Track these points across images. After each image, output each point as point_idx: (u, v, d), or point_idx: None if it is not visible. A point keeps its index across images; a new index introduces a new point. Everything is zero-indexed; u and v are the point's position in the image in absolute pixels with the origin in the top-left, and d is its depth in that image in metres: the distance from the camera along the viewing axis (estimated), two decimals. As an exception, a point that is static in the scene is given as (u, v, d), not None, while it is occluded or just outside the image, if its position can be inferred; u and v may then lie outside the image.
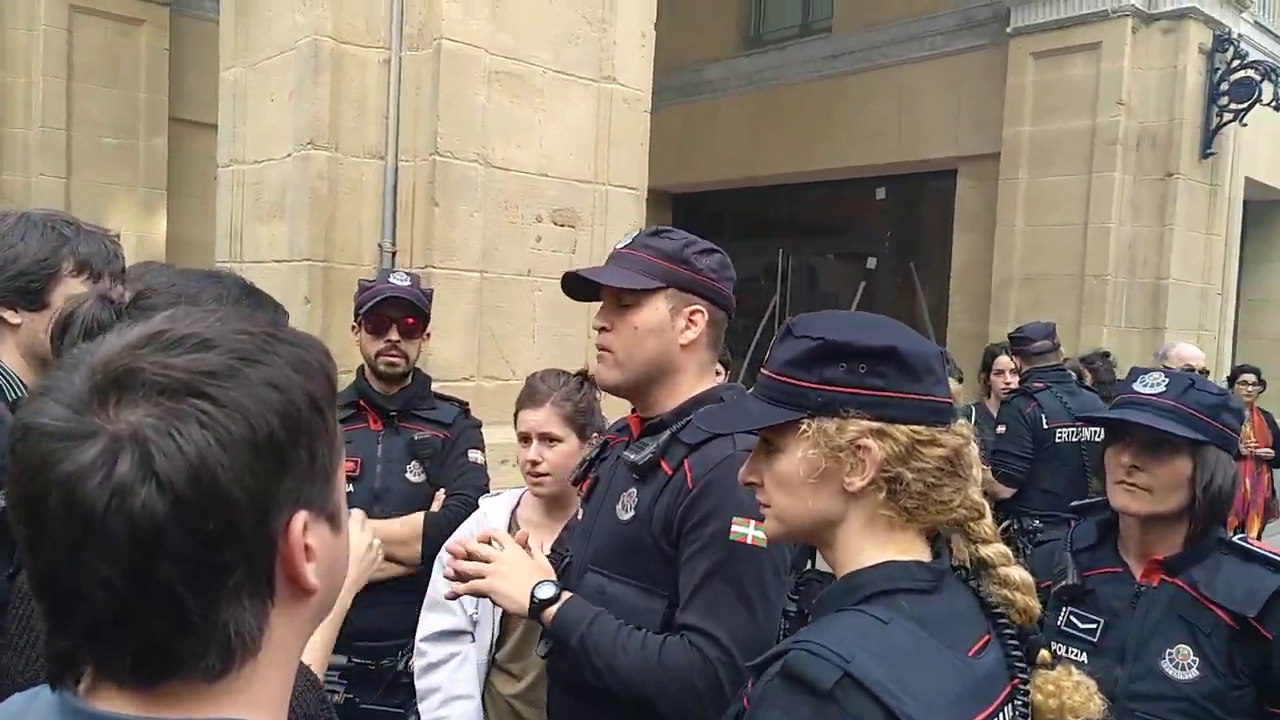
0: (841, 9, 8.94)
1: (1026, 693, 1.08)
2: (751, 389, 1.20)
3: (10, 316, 1.68)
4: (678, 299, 1.65)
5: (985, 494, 1.16)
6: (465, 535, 1.94)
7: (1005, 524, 4.54)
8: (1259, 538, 5.88)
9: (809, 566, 3.88)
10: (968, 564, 1.13)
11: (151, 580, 0.60)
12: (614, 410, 2.25)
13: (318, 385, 0.69)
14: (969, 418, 5.40)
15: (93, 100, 7.40)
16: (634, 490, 1.62)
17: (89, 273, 1.71)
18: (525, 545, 1.73)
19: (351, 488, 2.56)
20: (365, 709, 2.42)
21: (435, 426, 2.72)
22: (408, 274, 2.89)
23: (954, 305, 8.03)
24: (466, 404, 2.87)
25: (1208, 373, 4.65)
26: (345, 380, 2.83)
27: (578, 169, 3.80)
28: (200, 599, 0.61)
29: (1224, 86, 6.91)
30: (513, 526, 2.23)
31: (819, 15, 9.35)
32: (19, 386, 1.64)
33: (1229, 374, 6.79)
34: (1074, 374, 4.94)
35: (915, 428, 1.07)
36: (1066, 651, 1.88)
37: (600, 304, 1.71)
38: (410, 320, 2.68)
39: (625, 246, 1.70)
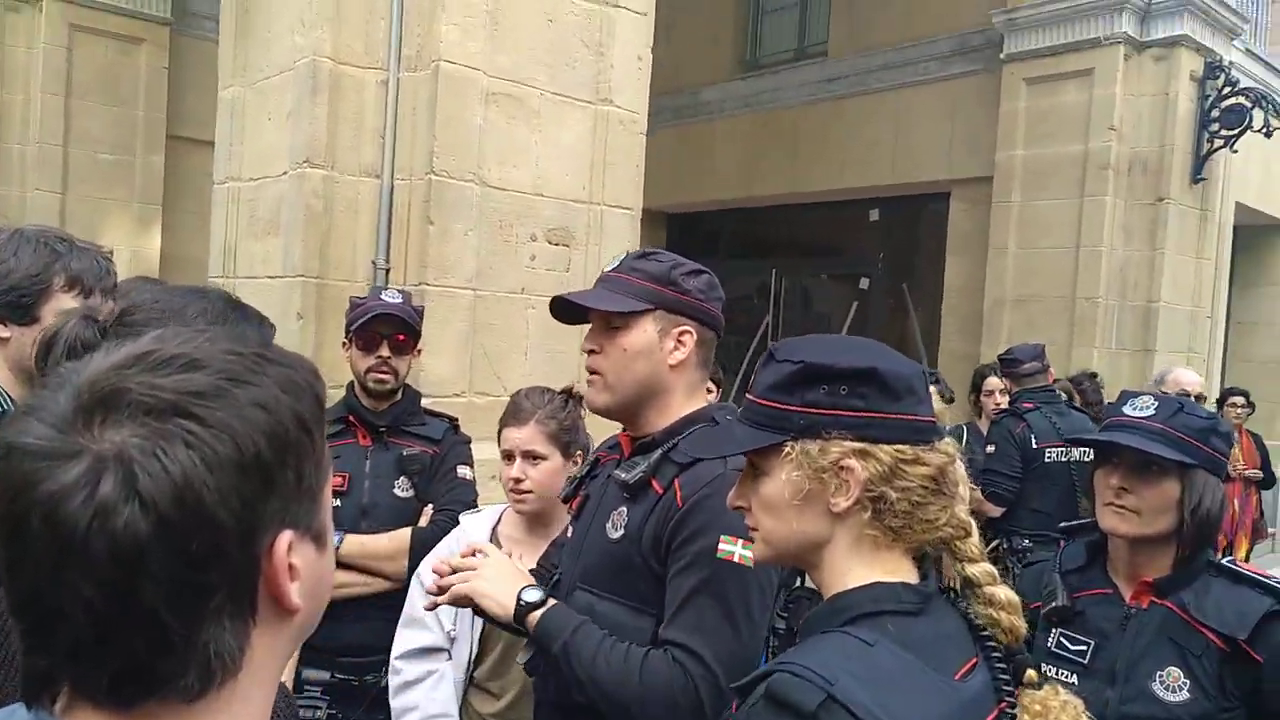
0: (837, 34, 9.01)
1: (1014, 716, 1.07)
2: (738, 413, 1.21)
3: (0, 331, 1.68)
4: (666, 320, 1.65)
5: (974, 513, 1.16)
6: (446, 552, 1.93)
7: (995, 543, 4.57)
8: (1247, 559, 5.89)
9: (798, 584, 3.88)
10: (956, 585, 1.14)
11: (134, 601, 0.59)
12: (598, 428, 2.25)
13: (306, 405, 0.69)
14: (960, 438, 5.42)
15: (91, 117, 7.43)
16: (624, 509, 1.62)
17: (80, 288, 1.71)
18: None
19: (340, 503, 2.55)
20: (348, 725, 2.41)
21: (424, 442, 2.71)
22: (399, 291, 2.89)
23: (946, 326, 8.05)
24: (456, 420, 2.86)
25: (1204, 398, 4.65)
26: (336, 395, 2.83)
27: (573, 189, 3.82)
28: (182, 620, 0.61)
29: (1215, 113, 6.97)
30: (494, 543, 2.23)
31: (814, 39, 9.42)
32: (7, 400, 1.64)
33: (1218, 396, 6.83)
34: (1064, 395, 4.96)
35: (899, 447, 1.08)
36: (1057, 673, 1.88)
37: (589, 326, 1.72)
38: (401, 337, 2.69)
39: (613, 269, 1.70)
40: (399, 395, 2.74)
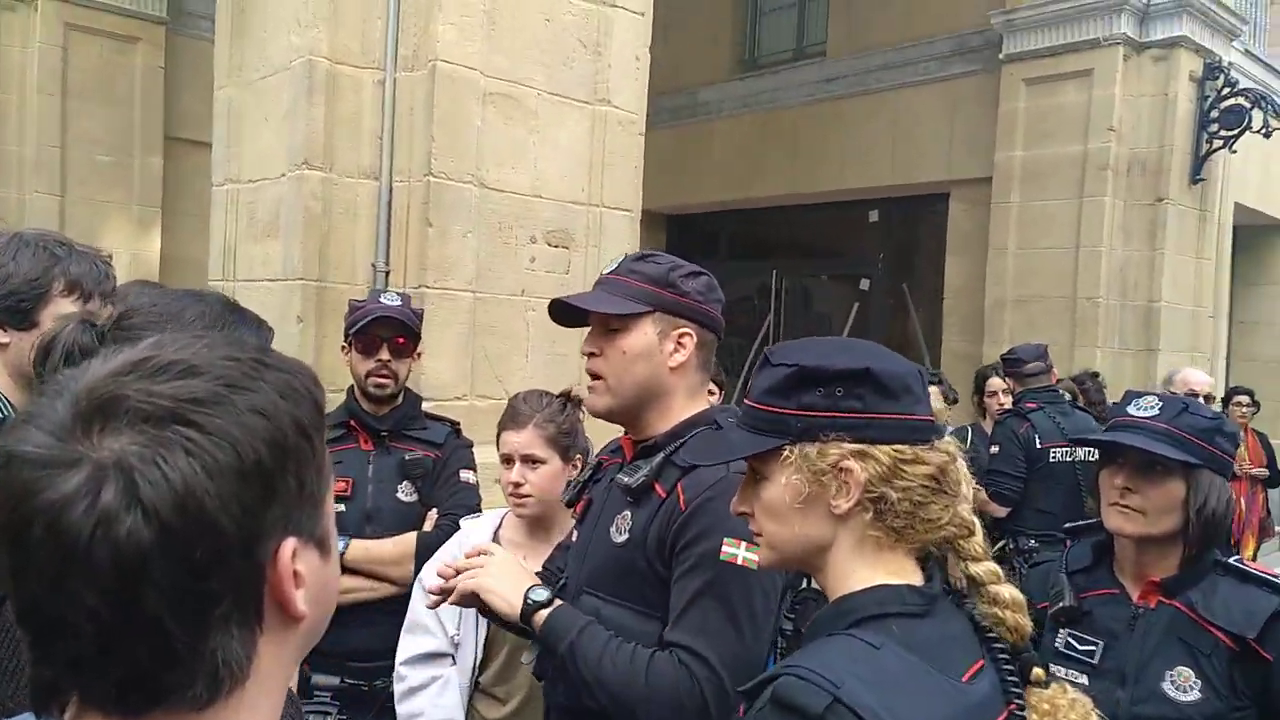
0: (836, 34, 9.02)
1: (1023, 719, 1.07)
2: (738, 418, 1.22)
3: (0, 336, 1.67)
4: (665, 322, 1.65)
5: (979, 514, 1.16)
6: (448, 557, 1.92)
7: (1001, 544, 4.56)
8: (1254, 558, 5.88)
9: (805, 585, 3.87)
10: (962, 585, 1.13)
11: (137, 609, 0.59)
12: (599, 431, 2.24)
13: (305, 411, 0.68)
14: (964, 439, 5.42)
15: (88, 118, 7.40)
16: (628, 513, 1.62)
17: (79, 293, 1.70)
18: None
19: (343, 508, 2.55)
20: (359, 729, 2.41)
21: (426, 446, 2.70)
22: (398, 294, 2.88)
23: (947, 326, 8.06)
24: (458, 423, 2.85)
25: (1212, 398, 4.63)
26: (336, 400, 2.82)
27: (571, 190, 3.81)
28: (187, 628, 0.60)
29: (1214, 114, 6.98)
30: None
31: (813, 40, 9.42)
32: (7, 406, 1.63)
33: (1223, 395, 6.83)
34: (1068, 394, 4.96)
35: (897, 447, 1.08)
36: (1066, 674, 1.88)
37: (589, 329, 1.71)
38: (401, 340, 2.67)
39: (611, 272, 1.70)
40: (399, 399, 2.73)
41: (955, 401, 5.86)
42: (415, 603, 2.23)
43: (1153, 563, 1.89)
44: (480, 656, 2.17)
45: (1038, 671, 1.11)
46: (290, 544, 0.65)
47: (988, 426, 5.36)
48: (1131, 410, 1.92)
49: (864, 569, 1.09)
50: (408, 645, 2.21)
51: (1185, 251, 7.15)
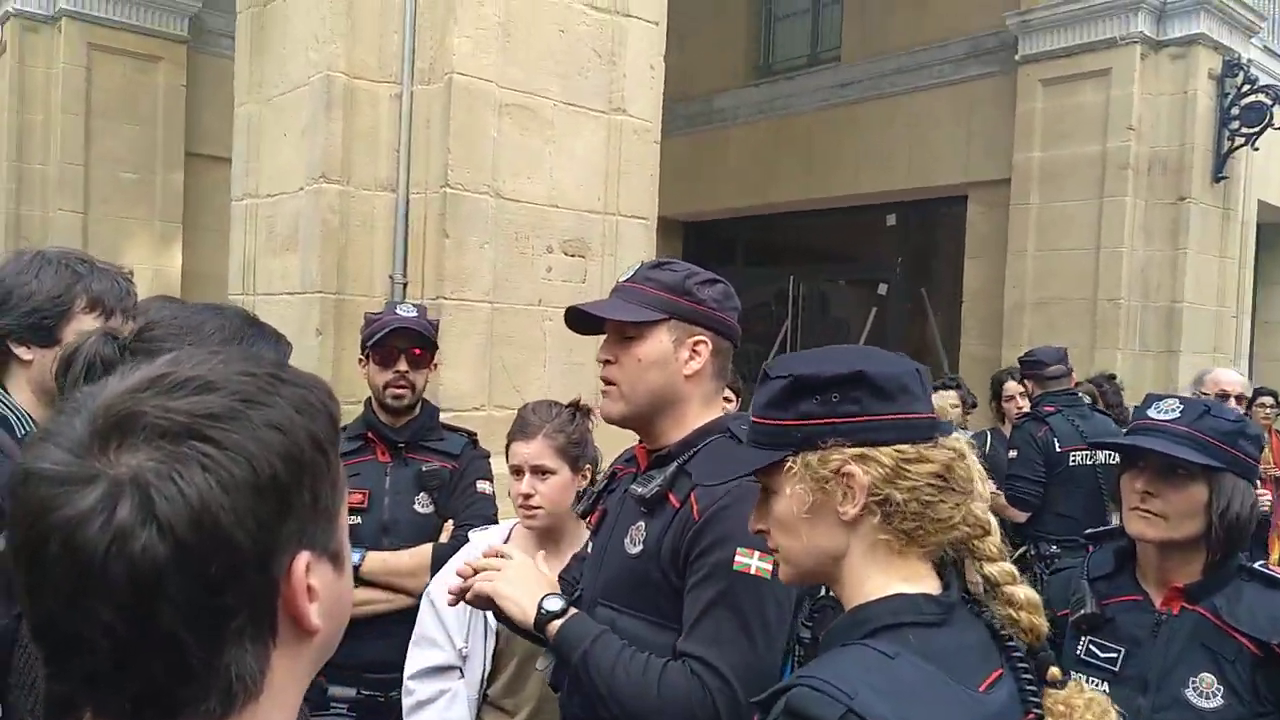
0: (850, 39, 9.00)
1: None
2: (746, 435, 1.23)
3: (23, 353, 1.69)
4: (681, 330, 1.65)
5: (1000, 519, 1.15)
6: (457, 569, 1.92)
7: (1022, 550, 4.52)
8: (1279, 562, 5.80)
9: (823, 593, 3.85)
10: (981, 587, 1.12)
11: (153, 625, 0.59)
12: (610, 440, 2.24)
13: (321, 426, 0.69)
14: (983, 444, 5.38)
15: (111, 136, 7.51)
16: (642, 523, 1.62)
17: (101, 309, 1.72)
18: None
19: (360, 520, 2.56)
20: (376, 741, 2.41)
21: (443, 457, 2.71)
22: (414, 305, 2.90)
23: (966, 330, 8.00)
24: (474, 434, 2.86)
25: (1245, 398, 4.53)
26: (355, 411, 2.83)
27: (588, 200, 3.82)
28: (202, 643, 0.61)
29: (1235, 111, 6.90)
30: None
31: (828, 45, 9.41)
32: (28, 422, 1.65)
33: (1248, 396, 6.73)
34: (1088, 398, 4.91)
35: (899, 447, 1.07)
36: (1087, 681, 1.85)
37: (604, 337, 1.71)
38: (418, 351, 2.69)
39: (627, 279, 1.70)
40: (417, 410, 2.74)
41: (974, 406, 5.82)
42: (423, 616, 2.23)
43: (1176, 568, 1.87)
44: (489, 669, 2.17)
45: (1054, 671, 1.09)
46: (304, 558, 0.66)
47: (1006, 431, 5.31)
48: (1152, 413, 1.90)
49: (878, 575, 1.08)
50: (415, 659, 2.20)
51: (1208, 250, 7.07)
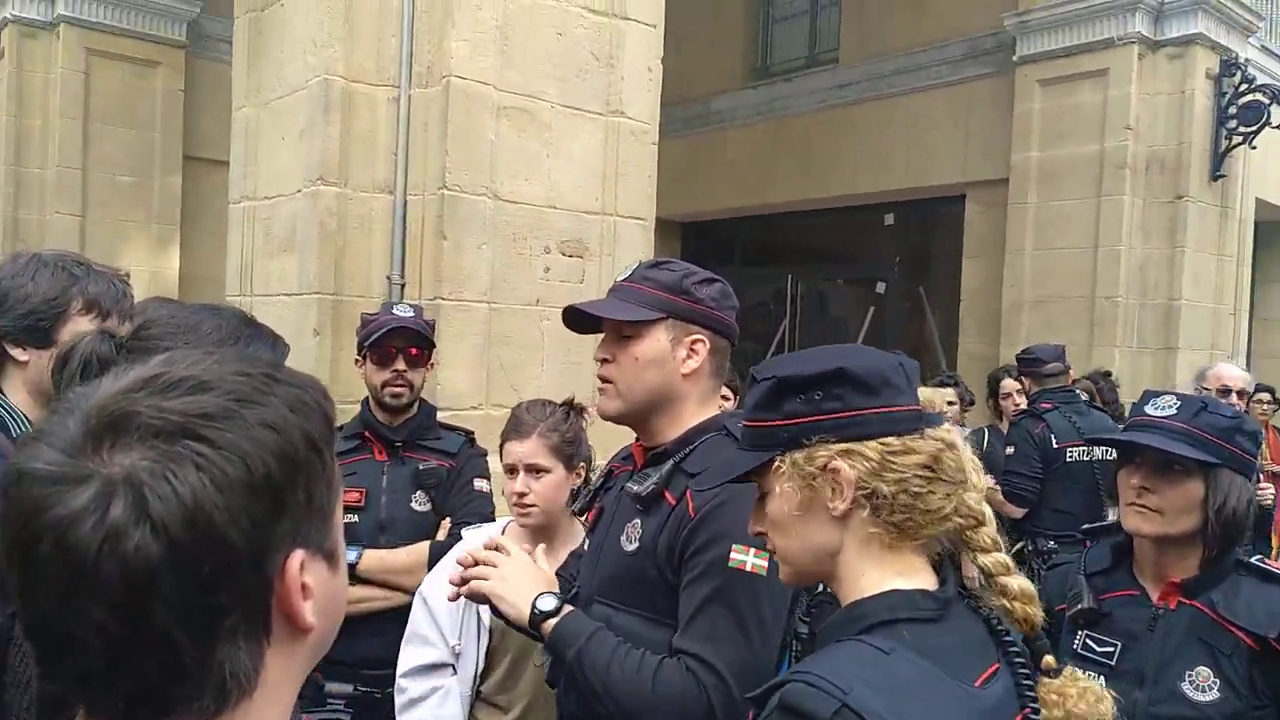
0: (848, 40, 9.00)
1: None
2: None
3: (19, 354, 1.70)
4: (678, 329, 1.65)
5: (998, 516, 1.15)
6: (449, 569, 1.92)
7: (1020, 546, 4.53)
8: (1279, 557, 5.79)
9: (820, 589, 3.85)
10: (977, 582, 1.12)
11: (146, 624, 0.59)
12: (608, 438, 2.24)
13: (315, 425, 0.69)
14: (981, 442, 5.39)
15: (109, 141, 7.51)
16: (638, 521, 1.62)
17: (97, 311, 1.73)
18: (532, 556, 1.73)
19: (357, 518, 2.58)
20: (371, 737, 2.41)
21: (440, 456, 2.72)
22: (411, 305, 2.91)
23: (964, 329, 8.01)
24: (472, 433, 2.87)
25: (1247, 393, 4.52)
26: (353, 411, 2.84)
27: (585, 201, 3.83)
28: (195, 641, 0.61)
29: (1232, 110, 6.90)
30: None
31: (825, 46, 9.41)
32: (24, 422, 1.65)
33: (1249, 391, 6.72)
34: (1085, 395, 4.92)
35: (884, 440, 1.08)
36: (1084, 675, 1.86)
37: (602, 335, 1.72)
38: (415, 350, 2.70)
39: (625, 279, 1.71)
40: (414, 409, 2.74)
41: (972, 404, 5.82)
42: (416, 614, 2.22)
43: (1172, 563, 1.87)
44: (481, 666, 2.16)
45: (1048, 660, 1.09)
46: (298, 556, 0.66)
47: (1004, 428, 5.32)
48: (1149, 410, 1.91)
49: (873, 570, 1.09)
50: (408, 657, 2.20)
51: (1206, 249, 7.07)
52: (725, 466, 1.23)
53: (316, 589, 0.68)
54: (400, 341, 2.67)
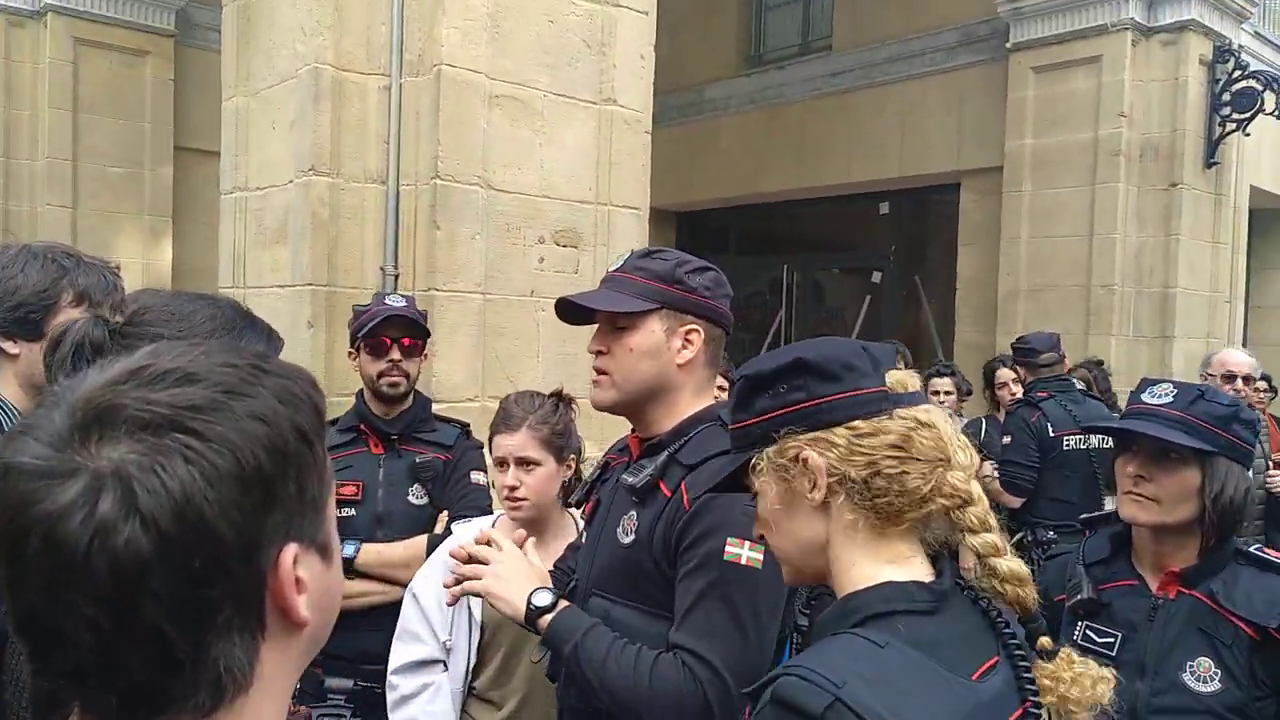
0: (841, 28, 8.98)
1: (1038, 716, 1.05)
2: None
3: (9, 347, 1.68)
4: (673, 319, 1.64)
5: (996, 505, 1.14)
6: (439, 564, 1.91)
7: (1019, 536, 4.53)
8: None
9: (820, 582, 3.86)
10: (975, 571, 1.10)
11: (136, 619, 0.58)
12: (592, 428, 2.23)
13: (305, 416, 0.68)
14: (978, 431, 5.39)
15: (99, 131, 7.47)
16: (634, 513, 1.61)
17: (88, 303, 1.71)
18: (522, 548, 1.72)
19: (355, 511, 2.57)
20: (373, 731, 2.41)
21: (436, 448, 2.71)
22: (402, 296, 2.90)
23: (960, 318, 8.02)
24: (467, 425, 2.86)
25: (1253, 379, 4.51)
26: (347, 404, 2.83)
27: (579, 190, 3.81)
28: (188, 637, 0.60)
29: (1226, 97, 6.91)
30: None
31: (819, 34, 9.39)
32: (15, 416, 1.64)
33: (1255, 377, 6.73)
34: (1084, 383, 4.92)
35: (852, 424, 1.07)
36: None
37: (596, 326, 1.71)
38: (408, 340, 2.69)
39: (617, 269, 1.69)
40: (409, 401, 2.74)
41: (969, 393, 5.83)
42: (406, 610, 2.21)
43: (1171, 553, 1.87)
44: (474, 661, 2.15)
45: (1043, 641, 1.08)
46: (291, 550, 0.65)
47: (1001, 418, 5.33)
48: (1146, 398, 1.90)
49: (862, 558, 1.08)
50: (399, 653, 2.18)
51: (1201, 236, 7.08)
52: (719, 470, 1.24)
53: (310, 582, 0.67)
54: (394, 331, 2.66)
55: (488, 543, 1.69)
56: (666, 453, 1.60)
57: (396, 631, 2.22)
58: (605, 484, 1.77)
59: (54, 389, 0.66)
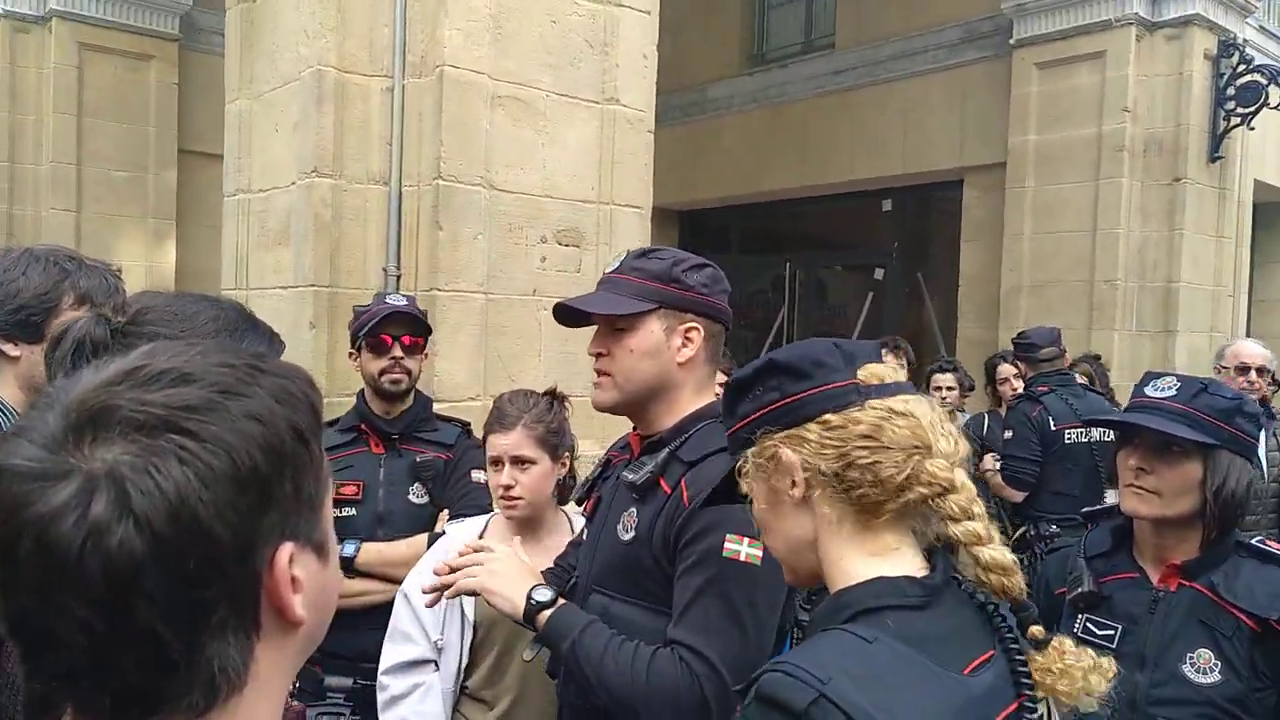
0: (844, 26, 8.96)
1: (1034, 709, 1.04)
2: None
3: (10, 349, 1.69)
4: (671, 318, 1.64)
5: (999, 500, 1.14)
6: (434, 563, 1.91)
7: (1021, 530, 4.53)
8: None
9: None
10: (970, 567, 1.10)
11: (130, 621, 0.58)
12: (585, 426, 2.23)
13: (301, 416, 0.68)
14: (981, 427, 5.39)
15: (103, 135, 7.49)
16: (634, 510, 1.62)
17: (89, 306, 1.71)
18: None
19: (355, 511, 2.58)
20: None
21: (437, 448, 2.72)
22: (404, 296, 2.91)
23: (963, 314, 8.00)
24: (468, 424, 2.87)
25: (1268, 370, 4.49)
26: (349, 404, 2.83)
27: (581, 190, 3.81)
28: (182, 638, 0.60)
29: (1230, 91, 6.88)
30: None
31: (822, 32, 9.37)
32: (14, 418, 1.64)
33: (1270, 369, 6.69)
34: (1086, 378, 4.91)
35: (823, 419, 1.09)
36: None
37: (595, 328, 1.71)
38: (409, 339, 2.69)
39: (614, 271, 1.69)
40: (410, 400, 2.74)
41: (971, 389, 5.83)
42: (398, 610, 2.20)
43: (1172, 545, 1.87)
44: (465, 661, 2.14)
45: (1034, 630, 1.06)
46: (287, 549, 0.65)
47: (1004, 413, 5.32)
48: (1149, 391, 1.90)
49: (849, 551, 1.08)
50: (389, 654, 2.17)
51: (1205, 230, 7.06)
52: (714, 476, 1.28)
53: (306, 582, 0.67)
54: (396, 329, 2.67)
55: (477, 551, 1.69)
56: (667, 450, 1.61)
57: (388, 632, 2.21)
58: (606, 481, 1.77)
59: (49, 390, 0.66)
